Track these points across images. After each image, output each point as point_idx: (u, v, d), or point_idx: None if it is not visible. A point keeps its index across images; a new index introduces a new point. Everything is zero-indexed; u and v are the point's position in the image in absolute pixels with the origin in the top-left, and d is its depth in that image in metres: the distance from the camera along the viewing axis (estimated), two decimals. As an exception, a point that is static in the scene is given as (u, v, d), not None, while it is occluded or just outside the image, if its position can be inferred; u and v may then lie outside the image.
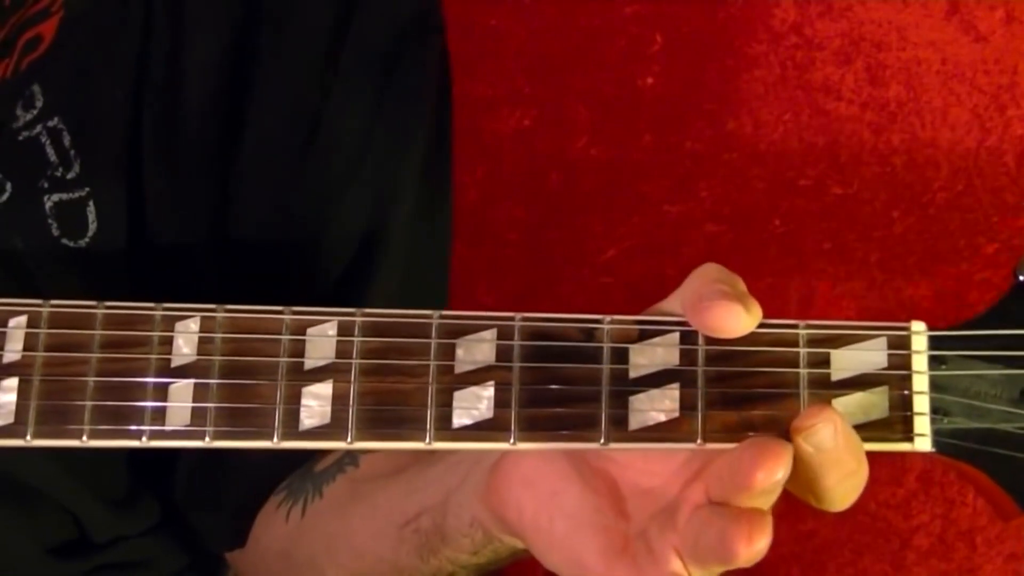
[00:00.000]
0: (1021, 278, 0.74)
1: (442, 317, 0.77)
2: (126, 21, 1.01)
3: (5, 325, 0.78)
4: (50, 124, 0.99)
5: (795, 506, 1.72)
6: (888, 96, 1.85)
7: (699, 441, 0.76)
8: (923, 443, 0.74)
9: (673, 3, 1.89)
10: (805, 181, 1.83)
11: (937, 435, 0.74)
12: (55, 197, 0.98)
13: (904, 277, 1.77)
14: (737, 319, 0.74)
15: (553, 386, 0.76)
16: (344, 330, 0.77)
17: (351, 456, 1.01)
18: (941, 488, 1.75)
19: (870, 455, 0.75)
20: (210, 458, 1.05)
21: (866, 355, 0.75)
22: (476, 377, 0.76)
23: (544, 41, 1.89)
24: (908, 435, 0.75)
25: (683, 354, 0.76)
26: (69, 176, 0.99)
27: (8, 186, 0.98)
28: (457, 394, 0.76)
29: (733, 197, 1.81)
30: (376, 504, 0.96)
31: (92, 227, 0.99)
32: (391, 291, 1.04)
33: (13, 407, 0.77)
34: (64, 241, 0.98)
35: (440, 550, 0.89)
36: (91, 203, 0.99)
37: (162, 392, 0.77)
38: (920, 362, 0.75)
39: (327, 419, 0.76)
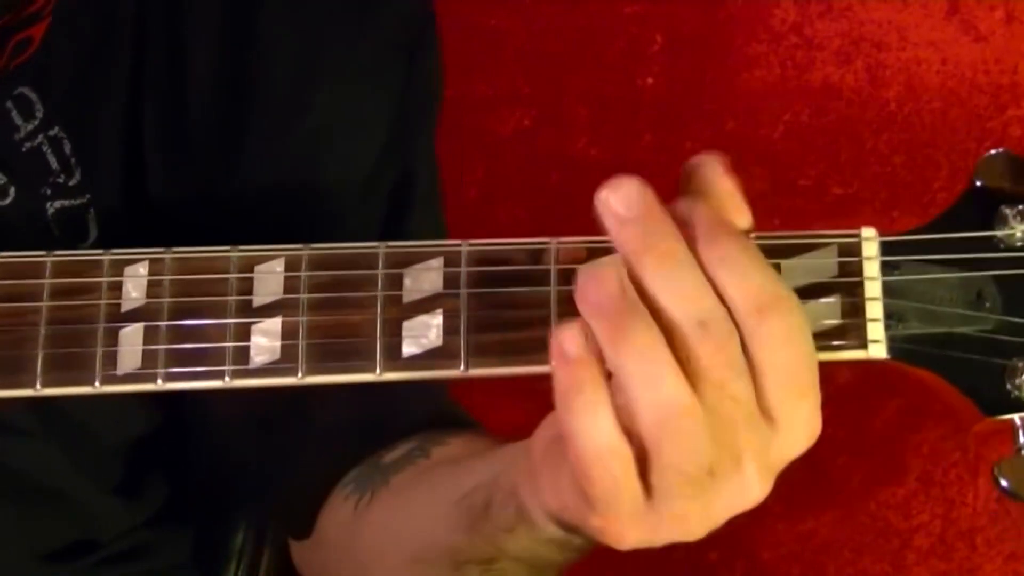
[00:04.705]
0: (978, 183, 0.73)
1: (388, 247, 0.76)
2: (116, 22, 1.00)
3: None
4: (51, 133, 0.99)
5: (795, 506, 1.71)
6: (888, 96, 1.85)
7: None
8: (877, 349, 0.72)
9: (673, 3, 1.90)
10: (805, 181, 1.83)
11: (892, 341, 0.72)
12: (57, 203, 0.98)
13: (905, 277, 1.77)
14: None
15: (502, 311, 0.75)
16: (291, 266, 0.76)
17: (422, 448, 0.99)
18: (941, 488, 1.74)
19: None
20: (269, 450, 1.04)
21: (816, 263, 0.73)
22: (424, 306, 0.75)
23: (544, 41, 1.90)
24: (862, 342, 0.73)
25: None
26: (71, 183, 0.99)
27: (12, 191, 0.98)
28: (406, 324, 0.75)
29: (733, 197, 1.81)
30: (438, 485, 0.94)
31: (93, 234, 0.99)
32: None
33: (-34, 359, 0.77)
34: None
35: (482, 526, 0.87)
36: (91, 210, 0.99)
37: (112, 337, 0.76)
38: (872, 268, 0.73)
39: (277, 355, 0.75)
